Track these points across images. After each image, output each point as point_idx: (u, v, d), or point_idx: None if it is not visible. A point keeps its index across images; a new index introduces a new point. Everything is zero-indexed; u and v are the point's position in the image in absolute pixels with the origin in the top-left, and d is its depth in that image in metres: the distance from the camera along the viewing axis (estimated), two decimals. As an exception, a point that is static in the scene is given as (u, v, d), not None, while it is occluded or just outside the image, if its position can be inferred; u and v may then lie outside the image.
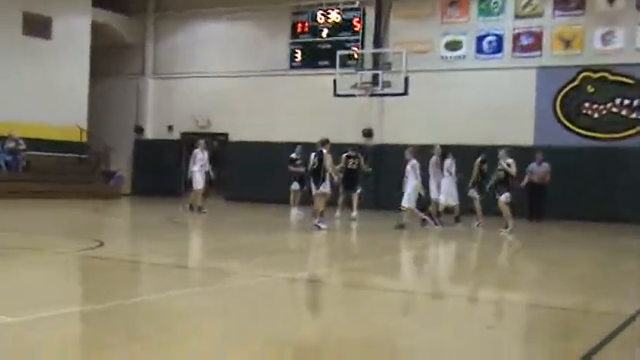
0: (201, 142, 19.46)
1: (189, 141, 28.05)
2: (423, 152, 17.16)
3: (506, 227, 16.12)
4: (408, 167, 16.20)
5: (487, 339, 5.84)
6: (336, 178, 16.93)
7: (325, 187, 15.53)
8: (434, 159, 17.78)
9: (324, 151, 15.36)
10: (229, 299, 7.28)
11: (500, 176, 16.30)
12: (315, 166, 15.45)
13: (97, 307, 6.51)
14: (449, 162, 17.80)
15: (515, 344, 5.94)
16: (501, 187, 16.27)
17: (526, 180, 20.27)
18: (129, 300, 6.93)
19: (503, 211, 16.26)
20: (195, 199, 18.88)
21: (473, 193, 17.30)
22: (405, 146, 17.29)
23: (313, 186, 15.66)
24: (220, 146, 27.12)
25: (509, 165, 16.16)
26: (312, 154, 15.70)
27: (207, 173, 19.00)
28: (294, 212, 18.98)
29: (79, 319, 6.14)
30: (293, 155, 19.59)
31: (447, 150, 18.09)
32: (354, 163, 18.64)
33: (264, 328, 5.87)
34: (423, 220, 16.27)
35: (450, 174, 17.67)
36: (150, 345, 5.13)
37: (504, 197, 16.15)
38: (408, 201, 16.09)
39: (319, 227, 14.94)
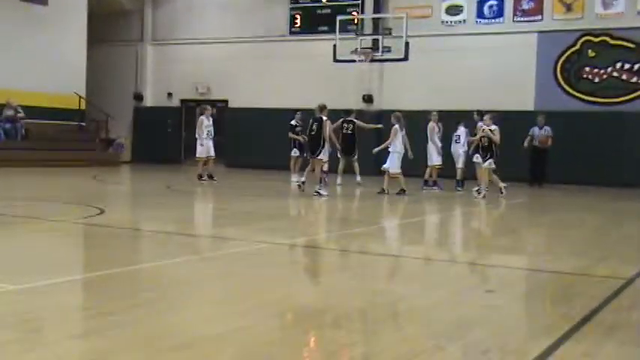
0: (208, 108, 19.27)
1: (188, 108, 28.05)
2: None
3: (501, 192, 16.07)
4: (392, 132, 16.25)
5: (487, 302, 5.87)
6: (337, 144, 16.96)
7: (324, 154, 15.51)
8: (431, 124, 17.79)
9: (324, 117, 15.31)
10: (229, 266, 7.30)
11: (484, 142, 16.13)
12: (313, 133, 15.41)
13: (98, 274, 6.53)
14: (462, 129, 17.76)
15: (515, 307, 5.97)
16: (485, 153, 16.01)
17: (528, 140, 20.29)
18: (130, 267, 6.95)
19: (483, 177, 16.09)
20: (208, 166, 18.78)
21: (477, 158, 17.23)
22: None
23: (309, 153, 15.65)
24: (219, 113, 26.99)
25: (492, 131, 15.87)
26: (311, 121, 15.66)
27: (213, 140, 18.89)
28: (294, 179, 18.95)
29: (81, 287, 6.16)
30: (293, 122, 19.51)
31: (460, 118, 18.11)
32: (347, 128, 18.57)
33: (265, 294, 5.90)
34: (383, 189, 16.23)
35: (466, 142, 17.63)
36: (151, 312, 5.16)
37: (487, 163, 15.98)
38: (395, 166, 16.09)
39: (320, 194, 14.94)
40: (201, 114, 18.95)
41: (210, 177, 18.65)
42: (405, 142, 16.43)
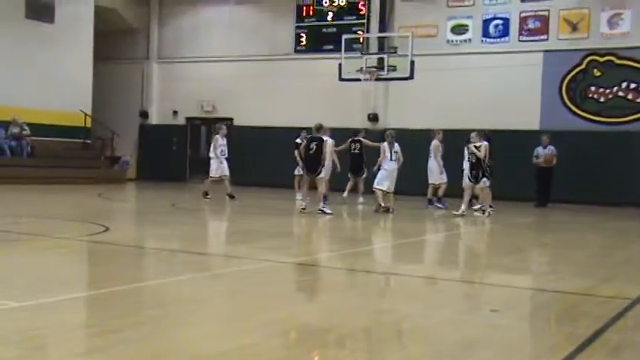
0: (223, 127, 19.23)
1: (194, 126, 28.15)
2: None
3: (483, 212, 15.95)
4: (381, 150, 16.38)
5: (491, 322, 5.84)
6: (338, 166, 17.04)
7: (326, 172, 15.50)
8: (435, 142, 17.80)
9: (324, 137, 15.30)
10: (234, 284, 7.29)
11: (472, 160, 16.00)
12: (312, 152, 15.35)
13: (102, 291, 6.53)
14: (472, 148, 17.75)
15: (519, 327, 5.94)
16: (476, 172, 15.81)
17: (535, 158, 20.28)
18: (134, 285, 6.94)
19: (485, 197, 16.02)
20: (224, 185, 18.75)
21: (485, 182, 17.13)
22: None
23: (308, 172, 15.60)
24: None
25: (477, 148, 15.68)
26: (309, 140, 15.63)
27: (227, 159, 18.84)
28: (299, 197, 18.94)
29: (85, 304, 6.16)
30: (298, 140, 19.53)
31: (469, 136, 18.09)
32: (355, 147, 18.63)
33: (269, 312, 5.88)
34: (387, 208, 16.27)
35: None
36: (155, 329, 5.15)
37: (482, 182, 15.87)
38: (378, 182, 16.17)
39: (324, 212, 14.93)
40: (216, 133, 18.93)
41: (231, 196, 18.59)
42: (397, 160, 16.45)
